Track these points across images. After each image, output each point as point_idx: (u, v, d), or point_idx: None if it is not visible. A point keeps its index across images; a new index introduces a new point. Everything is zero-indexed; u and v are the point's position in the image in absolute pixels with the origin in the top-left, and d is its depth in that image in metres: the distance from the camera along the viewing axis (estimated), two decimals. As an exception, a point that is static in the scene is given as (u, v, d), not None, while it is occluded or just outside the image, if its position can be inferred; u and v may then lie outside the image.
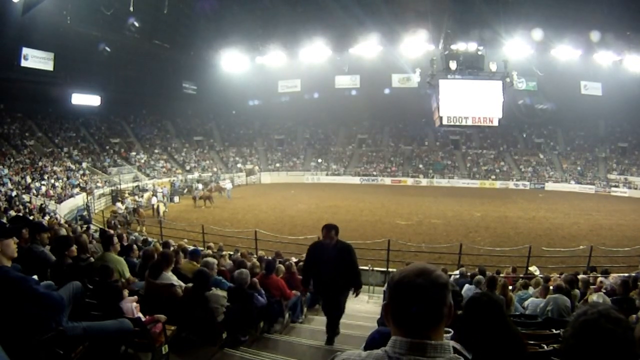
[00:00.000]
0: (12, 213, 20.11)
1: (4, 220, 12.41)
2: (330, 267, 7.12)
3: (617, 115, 55.89)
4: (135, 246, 9.91)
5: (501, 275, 12.68)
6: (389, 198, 40.41)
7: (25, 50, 39.04)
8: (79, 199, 33.68)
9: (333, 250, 7.12)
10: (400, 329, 1.71)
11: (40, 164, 37.24)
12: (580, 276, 10.77)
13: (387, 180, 56.48)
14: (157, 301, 6.04)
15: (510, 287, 9.36)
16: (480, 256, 18.38)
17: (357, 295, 7.82)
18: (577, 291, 8.81)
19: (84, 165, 41.83)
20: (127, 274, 7.18)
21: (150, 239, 16.54)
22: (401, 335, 1.69)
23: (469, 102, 42.18)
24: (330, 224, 7.33)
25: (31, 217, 18.08)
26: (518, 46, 44.32)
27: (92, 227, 22.60)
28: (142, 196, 35.15)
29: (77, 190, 35.19)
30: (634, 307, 6.86)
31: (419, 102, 51.77)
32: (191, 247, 12.08)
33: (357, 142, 65.80)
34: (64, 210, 29.87)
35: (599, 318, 1.75)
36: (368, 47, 49.80)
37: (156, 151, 53.55)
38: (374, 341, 3.17)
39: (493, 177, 55.48)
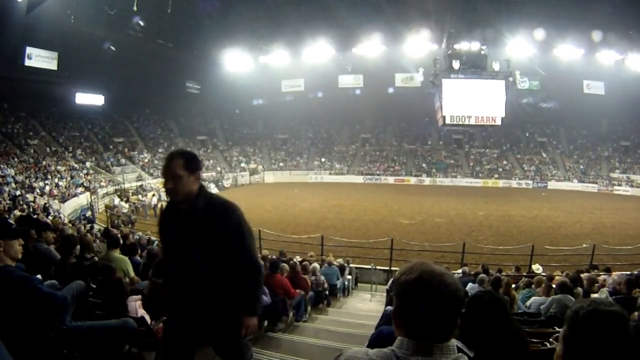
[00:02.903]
0: (17, 212, 20.17)
1: (10, 219, 12.45)
2: (187, 256, 3.44)
3: (619, 114, 55.64)
4: (138, 245, 9.96)
5: (503, 274, 12.71)
6: (392, 197, 40.38)
7: (29, 50, 39.07)
8: (83, 199, 33.68)
9: (193, 215, 3.42)
10: (410, 334, 1.68)
11: (44, 163, 37.27)
12: (585, 274, 10.79)
13: (390, 180, 56.41)
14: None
15: (513, 286, 9.38)
16: (483, 255, 18.43)
17: (246, 330, 3.53)
18: (579, 289, 8.82)
19: (88, 164, 41.88)
20: (132, 273, 7.20)
21: (153, 238, 16.58)
22: (410, 338, 1.68)
23: (471, 102, 42.26)
24: (178, 151, 3.59)
25: (35, 217, 18.13)
26: (521, 45, 44.39)
27: (95, 226, 22.71)
28: (145, 195, 35.18)
29: (80, 189, 35.22)
30: (636, 306, 6.87)
31: (422, 101, 51.64)
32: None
33: (360, 141, 65.77)
34: (67, 209, 29.90)
35: (597, 305, 1.78)
36: (371, 46, 49.90)
37: (160, 150, 53.58)
38: (377, 339, 3.20)
39: (496, 176, 55.38)
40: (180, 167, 3.39)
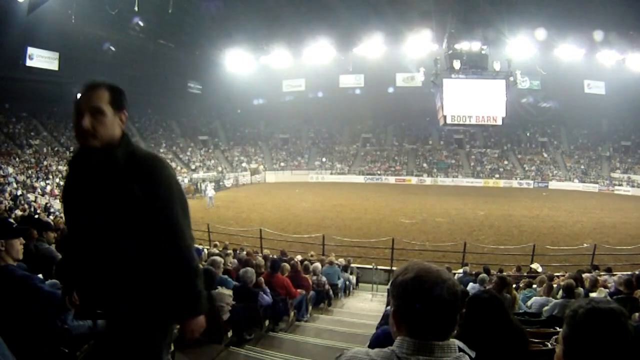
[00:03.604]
0: (18, 212, 20.21)
1: (11, 219, 12.47)
2: (96, 230, 2.50)
3: (620, 114, 55.80)
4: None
5: (504, 274, 12.71)
6: (393, 197, 40.36)
7: (31, 50, 39.20)
8: (84, 198, 33.66)
9: (109, 170, 2.48)
10: (412, 334, 1.68)
11: (45, 163, 37.33)
12: (587, 274, 10.78)
13: (391, 179, 56.44)
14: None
15: (513, 286, 9.37)
16: (484, 255, 18.38)
17: (192, 335, 2.65)
18: (580, 289, 8.82)
19: (89, 164, 41.84)
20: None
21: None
22: (410, 337, 1.68)
23: (472, 101, 42.31)
24: (101, 81, 2.85)
25: (36, 216, 18.17)
26: (521, 45, 44.32)
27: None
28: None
29: (82, 189, 35.19)
30: (638, 307, 6.87)
31: (423, 101, 51.73)
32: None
33: (361, 141, 65.79)
34: (69, 209, 29.89)
35: (596, 304, 1.79)
36: (372, 46, 49.88)
37: (161, 150, 53.48)
38: (378, 339, 3.21)
39: (497, 175, 55.43)
40: (105, 100, 2.59)
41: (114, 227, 2.43)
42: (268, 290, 7.69)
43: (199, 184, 42.81)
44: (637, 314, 6.12)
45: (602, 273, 12.89)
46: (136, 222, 2.44)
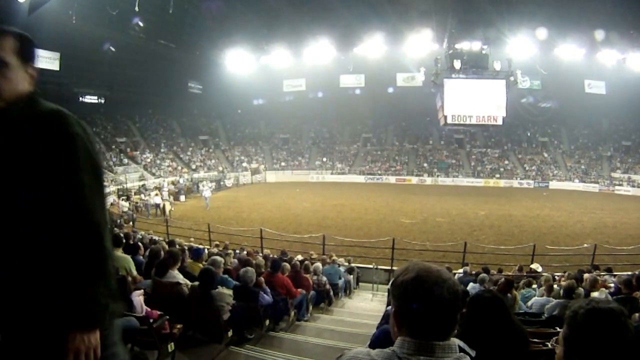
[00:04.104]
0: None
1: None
2: None
3: (620, 114, 55.88)
4: (141, 244, 9.97)
5: (504, 273, 12.70)
6: (394, 197, 40.35)
7: (31, 50, 39.15)
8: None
9: (2, 134, 1.97)
10: (413, 334, 1.67)
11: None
12: (587, 274, 10.79)
13: (392, 179, 56.32)
14: (163, 299, 6.07)
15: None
16: (485, 254, 18.43)
17: (73, 353, 1.89)
18: (580, 289, 8.82)
19: (90, 164, 41.78)
20: (134, 272, 7.20)
21: (156, 238, 16.59)
22: (411, 337, 1.67)
23: (473, 101, 42.31)
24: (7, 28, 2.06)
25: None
26: (522, 45, 44.27)
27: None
28: (148, 194, 35.14)
29: (82, 189, 35.10)
30: (638, 307, 6.87)
31: (423, 101, 51.78)
32: (195, 246, 12.09)
33: (361, 141, 65.73)
34: (69, 209, 29.84)
35: (596, 304, 1.80)
36: (372, 46, 49.80)
37: (162, 150, 53.61)
38: (379, 339, 3.21)
39: (497, 175, 55.33)
40: (10, 49, 2.04)
41: (12, 205, 1.94)
42: (268, 290, 7.70)
43: (199, 184, 42.76)
44: (637, 314, 6.12)
45: (603, 273, 12.89)
46: (37, 197, 1.93)
